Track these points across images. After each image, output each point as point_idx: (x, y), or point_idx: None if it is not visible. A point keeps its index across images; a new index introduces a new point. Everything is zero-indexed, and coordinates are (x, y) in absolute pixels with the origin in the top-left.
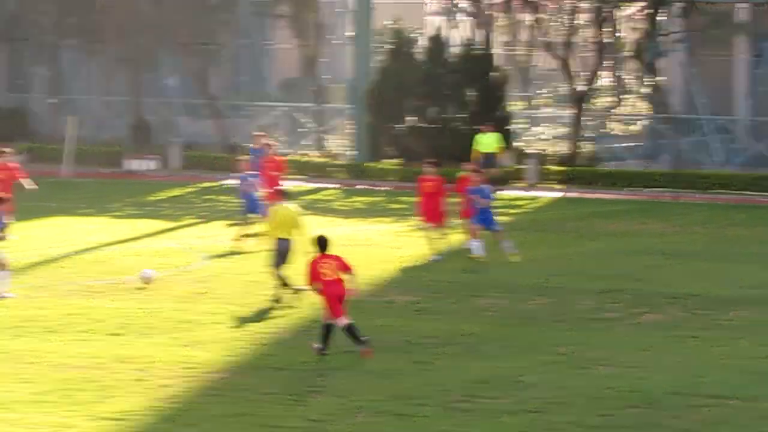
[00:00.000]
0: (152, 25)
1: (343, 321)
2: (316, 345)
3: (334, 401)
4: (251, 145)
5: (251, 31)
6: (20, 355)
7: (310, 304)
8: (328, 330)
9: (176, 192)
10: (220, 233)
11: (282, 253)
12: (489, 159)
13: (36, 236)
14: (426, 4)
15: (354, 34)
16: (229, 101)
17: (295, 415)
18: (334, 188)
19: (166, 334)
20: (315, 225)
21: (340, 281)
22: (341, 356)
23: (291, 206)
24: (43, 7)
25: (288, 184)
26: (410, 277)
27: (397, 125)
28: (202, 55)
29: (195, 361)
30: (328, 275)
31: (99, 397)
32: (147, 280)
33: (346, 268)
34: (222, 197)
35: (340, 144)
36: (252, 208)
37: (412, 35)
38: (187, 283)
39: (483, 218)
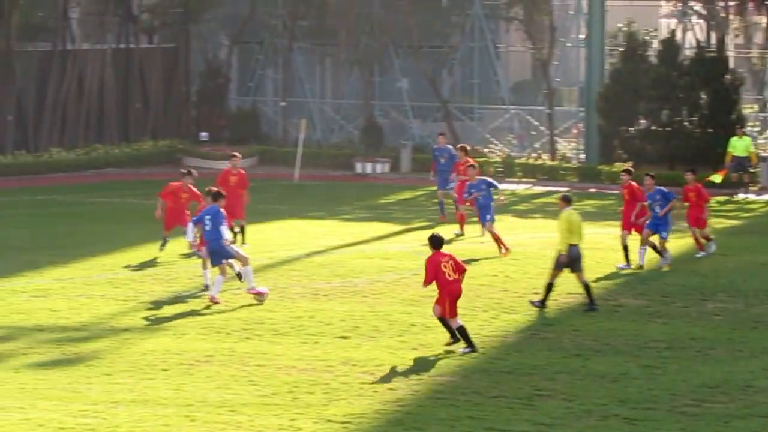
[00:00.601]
0: (384, 27)
1: (458, 322)
2: (462, 349)
3: (562, 405)
4: (434, 145)
5: (484, 34)
6: (248, 358)
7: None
8: (447, 325)
9: (406, 195)
10: (449, 236)
11: (576, 259)
12: (741, 163)
13: (267, 239)
14: (660, 6)
15: (587, 36)
16: (461, 104)
17: (523, 418)
18: (565, 191)
19: (394, 337)
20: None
21: (458, 281)
22: (570, 359)
23: (574, 212)
24: (275, 11)
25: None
26: (640, 281)
27: (628, 128)
28: (434, 57)
29: (423, 364)
30: (450, 275)
31: (326, 400)
32: (260, 298)
33: (461, 269)
34: (452, 200)
35: (570, 147)
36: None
37: (645, 38)
38: (416, 286)
39: (653, 224)
